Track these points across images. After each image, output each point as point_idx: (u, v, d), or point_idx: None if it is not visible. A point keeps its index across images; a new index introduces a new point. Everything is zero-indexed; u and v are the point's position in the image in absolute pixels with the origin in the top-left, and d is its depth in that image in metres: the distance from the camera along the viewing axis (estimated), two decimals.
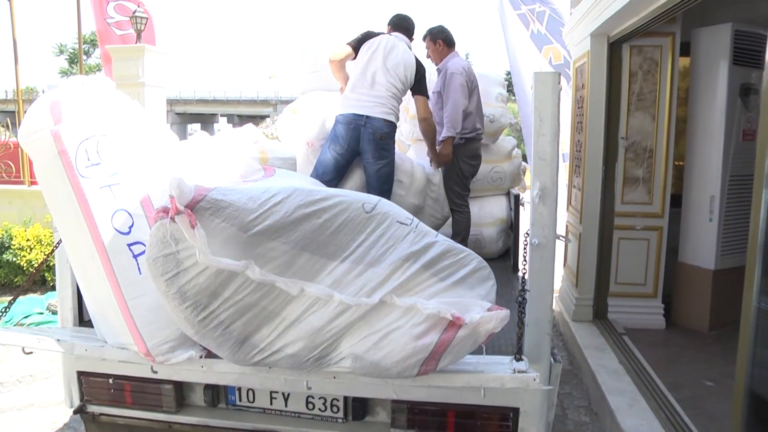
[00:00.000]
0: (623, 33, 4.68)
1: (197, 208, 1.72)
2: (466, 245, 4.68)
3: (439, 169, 4.69)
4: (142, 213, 2.20)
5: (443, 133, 4.50)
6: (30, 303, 5.87)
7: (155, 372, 2.40)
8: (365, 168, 4.17)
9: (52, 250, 2.67)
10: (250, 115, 60.73)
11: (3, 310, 2.53)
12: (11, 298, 2.66)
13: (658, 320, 5.38)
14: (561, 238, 4.70)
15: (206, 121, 66.66)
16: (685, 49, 5.16)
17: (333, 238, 1.91)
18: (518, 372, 1.99)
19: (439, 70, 4.73)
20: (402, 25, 4.45)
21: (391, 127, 4.19)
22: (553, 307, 6.29)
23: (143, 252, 2.12)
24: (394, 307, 1.90)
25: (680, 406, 3.83)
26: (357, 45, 4.27)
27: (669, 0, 3.71)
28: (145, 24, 7.48)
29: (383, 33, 4.38)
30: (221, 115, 67.95)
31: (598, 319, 5.46)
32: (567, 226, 6.10)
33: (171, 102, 53.92)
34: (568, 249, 6.08)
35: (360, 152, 4.11)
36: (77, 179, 2.11)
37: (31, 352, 2.37)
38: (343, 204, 1.93)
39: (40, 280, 6.82)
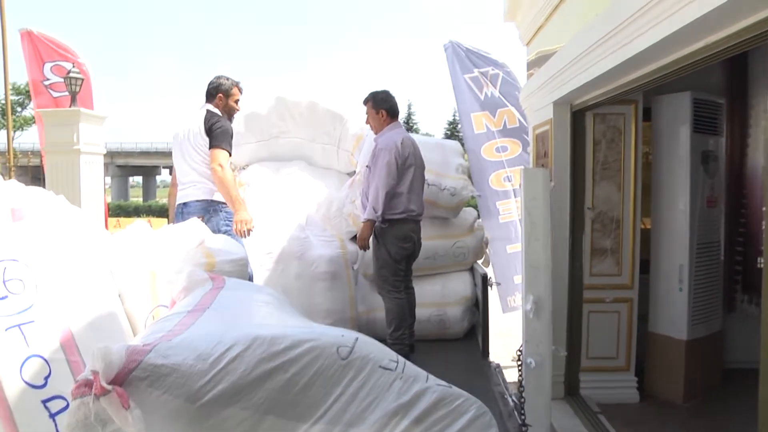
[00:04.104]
0: (588, 102, 4.56)
1: (131, 378, 1.34)
2: (404, 335, 4.44)
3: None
4: (63, 357, 1.79)
5: (363, 216, 4.24)
6: None
7: None
8: None
9: None
10: None
11: None
12: None
13: (632, 394, 5.14)
14: (493, 284, 4.49)
15: (148, 173, 65.41)
16: (647, 114, 5.10)
17: (303, 395, 1.56)
18: None
19: (374, 142, 4.47)
20: (206, 95, 4.52)
21: (203, 204, 4.17)
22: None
23: (65, 408, 1.72)
24: None
25: None
26: None
27: (638, 77, 3.57)
28: (81, 85, 7.00)
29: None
30: (163, 167, 66.76)
31: (570, 396, 5.18)
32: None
33: (112, 154, 52.71)
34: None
35: None
36: None
37: None
38: (313, 351, 1.58)
39: None
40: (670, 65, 3.22)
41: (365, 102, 4.55)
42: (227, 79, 4.50)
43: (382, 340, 4.72)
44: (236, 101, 4.53)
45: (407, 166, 4.26)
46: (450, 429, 1.67)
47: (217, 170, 4.06)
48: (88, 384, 1.33)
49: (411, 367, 1.75)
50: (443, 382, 1.77)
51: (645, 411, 4.99)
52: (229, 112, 4.49)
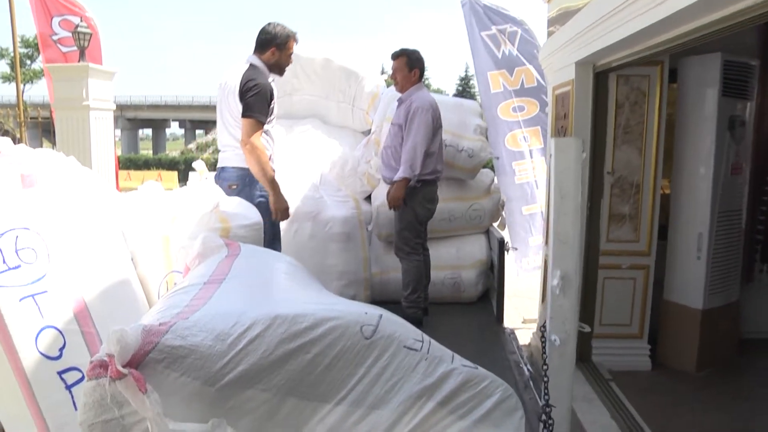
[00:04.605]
0: (612, 64, 4.40)
1: (147, 360, 1.29)
2: (419, 298, 4.41)
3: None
4: (77, 327, 1.74)
5: (398, 174, 4.14)
6: None
7: None
8: None
9: None
10: (202, 120, 59.65)
11: None
12: None
13: (645, 362, 5.11)
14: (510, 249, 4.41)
15: (157, 126, 65.28)
16: (673, 76, 4.92)
17: (325, 376, 1.50)
18: None
19: (401, 100, 4.36)
20: (256, 45, 3.95)
21: (238, 172, 3.79)
22: (532, 347, 6.04)
23: (81, 380, 1.68)
24: None
25: None
26: None
27: (670, 39, 3.41)
28: (89, 40, 6.86)
29: None
30: (173, 120, 66.62)
31: (582, 362, 5.15)
32: (545, 261, 5.81)
33: (121, 107, 52.47)
34: (547, 287, 5.79)
35: None
36: None
37: None
38: (336, 331, 1.52)
39: None
40: (706, 27, 3.05)
41: (397, 56, 4.40)
42: (283, 28, 3.92)
43: (396, 303, 4.72)
44: (290, 55, 4.02)
45: (438, 126, 4.26)
46: (475, 412, 1.62)
47: (246, 146, 3.63)
48: (103, 365, 1.27)
49: (436, 347, 1.69)
50: (469, 363, 1.71)
51: (657, 379, 4.95)
52: (280, 67, 3.99)
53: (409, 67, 4.35)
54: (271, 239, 3.70)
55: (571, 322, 1.93)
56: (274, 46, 3.85)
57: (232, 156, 3.82)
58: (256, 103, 3.65)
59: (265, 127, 3.79)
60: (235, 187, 3.75)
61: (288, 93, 5.51)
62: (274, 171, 3.81)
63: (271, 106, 3.81)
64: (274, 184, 3.72)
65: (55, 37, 7.66)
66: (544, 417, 1.82)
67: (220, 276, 1.82)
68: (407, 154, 4.13)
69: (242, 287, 1.71)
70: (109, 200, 2.35)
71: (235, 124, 3.76)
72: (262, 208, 3.65)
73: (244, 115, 3.66)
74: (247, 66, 3.83)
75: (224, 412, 1.37)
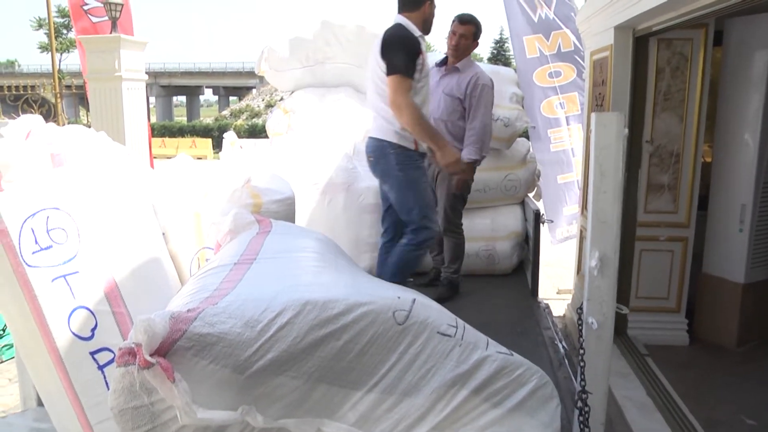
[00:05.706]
0: (653, 27, 4.21)
1: (176, 348, 1.26)
2: (459, 267, 4.35)
3: None
4: (108, 308, 1.74)
5: (466, 154, 3.94)
6: None
7: None
8: None
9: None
10: (235, 86, 59.85)
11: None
12: None
13: (682, 336, 5.01)
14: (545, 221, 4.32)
15: (192, 93, 65.67)
16: (717, 39, 4.70)
17: (356, 362, 1.47)
18: None
19: (453, 69, 4.16)
20: (404, 3, 3.54)
21: (374, 143, 3.52)
22: (566, 320, 5.95)
23: (112, 360, 1.69)
24: None
25: None
26: None
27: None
28: (121, 10, 6.85)
29: None
30: (206, 87, 66.92)
31: (617, 335, 5.07)
32: (581, 231, 5.70)
33: (155, 74, 52.91)
34: (583, 257, 5.68)
35: None
36: (23, 270, 1.63)
37: None
38: (368, 317, 1.48)
39: None
40: None
41: (467, 22, 4.09)
42: None
43: (434, 269, 4.67)
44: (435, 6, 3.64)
45: None
46: (510, 400, 1.58)
47: (392, 105, 3.28)
48: (131, 353, 1.25)
49: (470, 333, 1.65)
50: (504, 349, 1.67)
51: (694, 354, 4.84)
52: (431, 22, 3.60)
53: (474, 37, 4.12)
54: (417, 224, 3.48)
55: (609, 304, 1.86)
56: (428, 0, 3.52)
57: (373, 125, 3.57)
58: (396, 57, 3.30)
59: (414, 83, 3.40)
60: (372, 158, 3.58)
61: (320, 61, 5.42)
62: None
63: (419, 60, 3.40)
64: (435, 138, 3.42)
65: (86, 7, 7.65)
66: (579, 404, 1.77)
67: (250, 256, 1.80)
68: (477, 134, 3.95)
69: (272, 269, 1.67)
70: (141, 176, 2.34)
71: (373, 89, 3.49)
72: (400, 182, 3.47)
73: (387, 74, 3.32)
74: (392, 26, 3.51)
75: (254, 399, 1.35)
